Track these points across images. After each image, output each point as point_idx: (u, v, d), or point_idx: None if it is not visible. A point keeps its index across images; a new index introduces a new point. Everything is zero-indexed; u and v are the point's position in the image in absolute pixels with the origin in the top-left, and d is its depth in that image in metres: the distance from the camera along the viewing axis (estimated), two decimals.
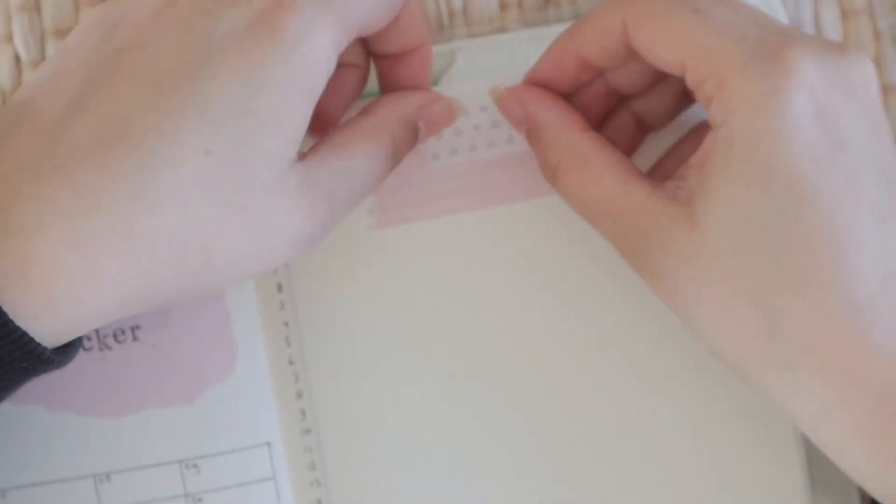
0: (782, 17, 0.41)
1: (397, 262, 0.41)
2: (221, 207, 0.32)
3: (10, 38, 0.43)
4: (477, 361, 0.41)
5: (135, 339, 0.40)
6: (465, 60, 0.41)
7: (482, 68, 0.41)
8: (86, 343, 0.40)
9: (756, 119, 0.33)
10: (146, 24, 0.33)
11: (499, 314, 0.41)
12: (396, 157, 0.37)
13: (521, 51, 0.40)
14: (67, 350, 0.33)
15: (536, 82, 0.38)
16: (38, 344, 0.31)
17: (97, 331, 0.40)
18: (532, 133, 0.38)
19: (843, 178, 0.33)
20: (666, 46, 0.35)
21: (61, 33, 0.43)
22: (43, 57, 0.43)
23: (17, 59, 0.43)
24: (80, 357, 0.39)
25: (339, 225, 0.35)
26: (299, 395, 0.40)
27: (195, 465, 0.40)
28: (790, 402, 0.34)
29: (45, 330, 0.31)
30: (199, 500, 0.40)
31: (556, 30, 0.40)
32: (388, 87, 0.39)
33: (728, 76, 0.33)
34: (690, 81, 0.34)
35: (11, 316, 0.31)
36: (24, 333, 0.31)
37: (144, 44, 0.33)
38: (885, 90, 0.43)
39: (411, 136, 0.38)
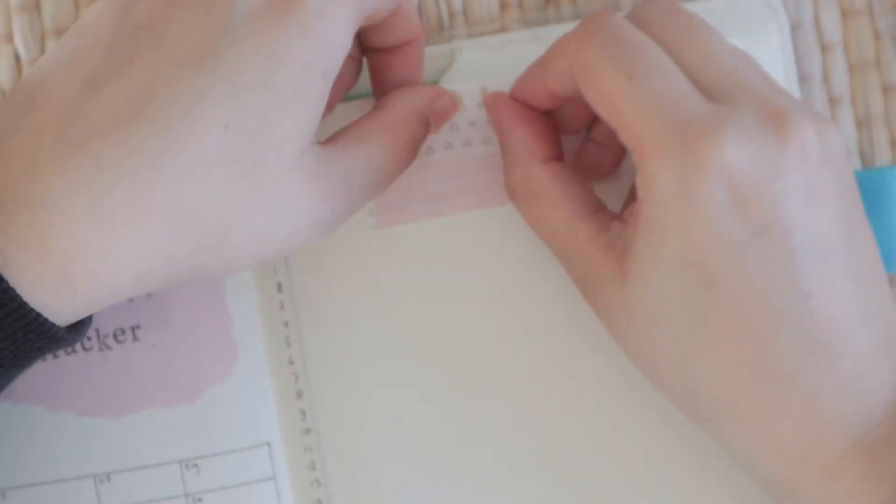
0: (782, 18, 0.41)
1: (397, 262, 0.41)
2: (240, 183, 0.32)
3: (10, 38, 0.43)
4: (478, 361, 0.41)
5: (135, 339, 0.40)
6: (465, 60, 0.41)
7: (482, 68, 0.41)
8: (86, 343, 0.40)
9: (669, 209, 0.33)
10: (164, 3, 0.33)
11: (500, 314, 0.41)
12: (413, 151, 0.37)
13: (521, 51, 0.40)
14: (79, 327, 0.33)
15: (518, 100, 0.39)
16: (53, 324, 0.31)
17: (97, 330, 0.40)
18: (501, 148, 0.39)
19: (762, 261, 0.33)
20: (599, 107, 0.35)
21: (61, 33, 0.43)
22: None
23: (17, 59, 0.43)
24: (80, 357, 0.39)
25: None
26: (299, 395, 0.40)
27: (195, 465, 0.40)
28: (720, 446, 0.36)
29: (61, 307, 0.31)
30: (199, 500, 0.40)
31: (557, 30, 0.40)
32: (382, 80, 0.39)
33: (646, 159, 0.33)
34: (624, 143, 0.35)
35: (28, 295, 0.31)
36: (39, 315, 0.31)
37: (164, 22, 0.33)
38: (885, 90, 0.43)
39: (425, 131, 0.38)
